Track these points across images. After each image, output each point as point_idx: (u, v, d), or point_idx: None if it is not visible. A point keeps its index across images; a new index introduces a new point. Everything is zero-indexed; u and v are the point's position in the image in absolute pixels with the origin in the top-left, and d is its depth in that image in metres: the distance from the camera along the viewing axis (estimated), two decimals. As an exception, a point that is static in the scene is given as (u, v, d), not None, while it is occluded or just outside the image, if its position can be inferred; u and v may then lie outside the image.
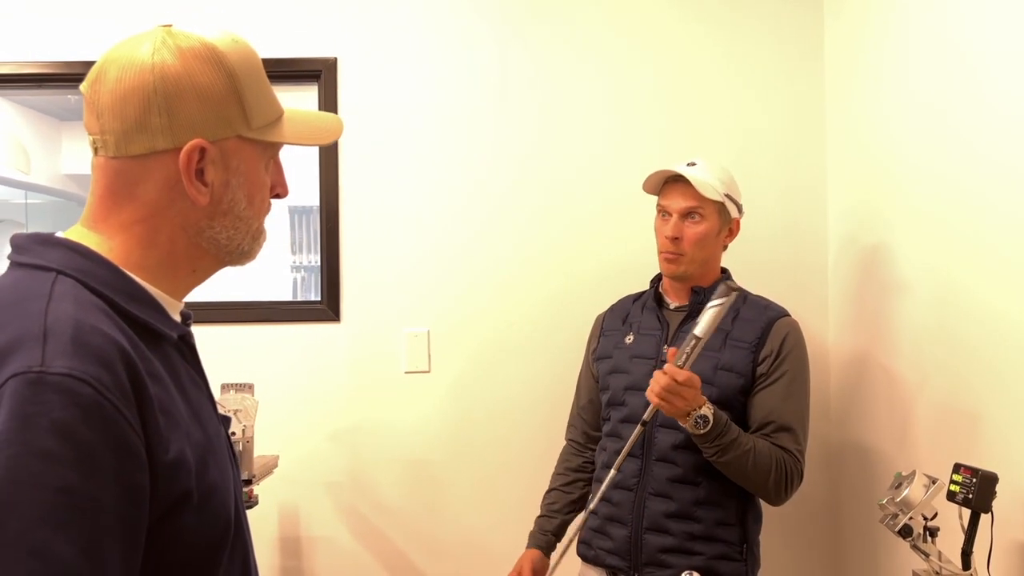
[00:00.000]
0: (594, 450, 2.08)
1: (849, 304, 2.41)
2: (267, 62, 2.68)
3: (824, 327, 2.51)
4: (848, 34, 2.40)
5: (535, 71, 2.53)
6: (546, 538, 2.05)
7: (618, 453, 1.84)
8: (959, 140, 1.82)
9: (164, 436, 0.82)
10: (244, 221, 0.97)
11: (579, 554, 1.98)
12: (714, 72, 2.54)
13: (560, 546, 1.92)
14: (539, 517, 2.10)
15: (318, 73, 2.52)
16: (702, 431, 1.74)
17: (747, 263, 2.38)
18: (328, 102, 2.51)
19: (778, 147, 2.53)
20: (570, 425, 2.17)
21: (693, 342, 1.72)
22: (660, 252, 1.95)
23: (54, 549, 0.71)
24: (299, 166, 2.56)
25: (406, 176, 2.53)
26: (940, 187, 1.90)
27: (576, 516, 2.05)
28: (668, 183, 1.95)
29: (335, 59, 2.52)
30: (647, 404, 1.75)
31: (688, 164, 1.94)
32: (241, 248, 0.99)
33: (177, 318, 0.96)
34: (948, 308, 1.88)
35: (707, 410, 1.74)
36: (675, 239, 1.90)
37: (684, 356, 1.71)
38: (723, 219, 1.94)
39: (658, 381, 1.72)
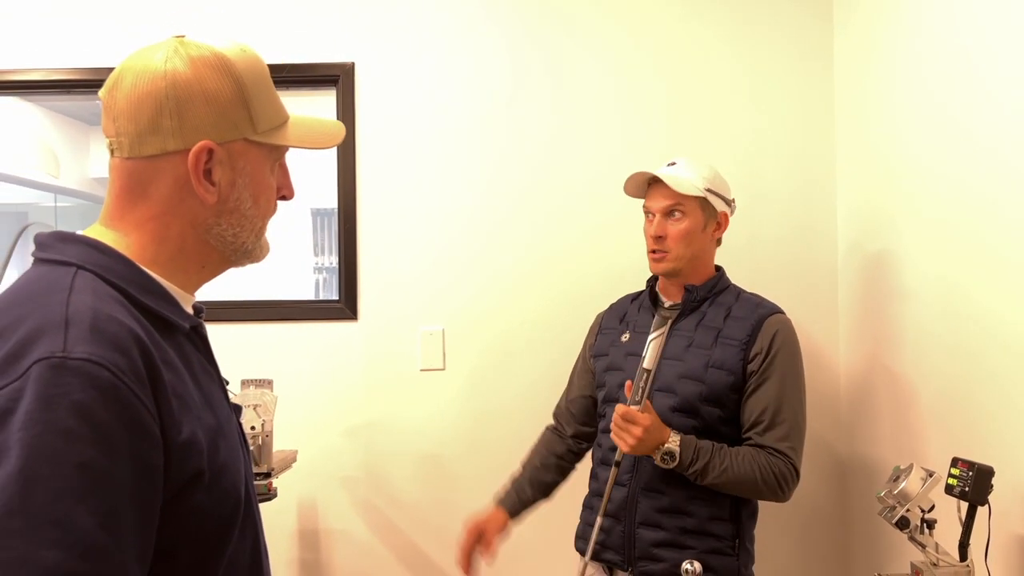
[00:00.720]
0: (576, 442, 2.13)
1: (858, 308, 2.42)
2: (287, 67, 2.75)
3: (835, 331, 2.53)
4: (858, 38, 2.42)
5: (548, 75, 2.58)
6: (519, 503, 2.08)
7: (613, 451, 1.87)
8: (967, 144, 1.83)
9: (177, 418, 0.88)
10: (249, 220, 1.03)
11: (577, 548, 2.02)
12: (724, 76, 2.57)
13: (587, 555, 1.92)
14: (519, 480, 2.11)
15: (336, 78, 2.58)
16: (670, 466, 1.79)
17: (757, 267, 2.41)
18: (346, 106, 2.58)
19: (788, 150, 2.56)
20: (556, 413, 2.20)
21: (644, 376, 1.78)
22: (648, 252, 1.99)
23: (75, 519, 0.76)
24: (320, 169, 2.63)
25: (422, 178, 2.58)
26: (949, 191, 1.91)
27: (543, 498, 2.10)
28: (651, 185, 2.00)
29: (352, 64, 2.58)
30: None
31: (668, 164, 1.98)
32: (245, 247, 1.04)
33: (189, 310, 1.02)
34: (954, 312, 1.89)
35: (672, 444, 1.79)
36: (659, 237, 1.94)
37: (639, 391, 1.78)
38: (707, 214, 1.97)
39: (612, 419, 1.82)
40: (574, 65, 2.58)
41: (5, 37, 2.60)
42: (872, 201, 2.33)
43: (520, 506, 2.09)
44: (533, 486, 2.10)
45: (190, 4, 2.59)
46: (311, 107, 2.76)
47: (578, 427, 2.14)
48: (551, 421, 2.20)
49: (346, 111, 2.58)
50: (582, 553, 1.99)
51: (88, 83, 2.62)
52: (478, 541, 2.03)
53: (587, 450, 2.16)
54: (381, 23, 2.59)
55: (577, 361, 2.20)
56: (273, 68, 1.06)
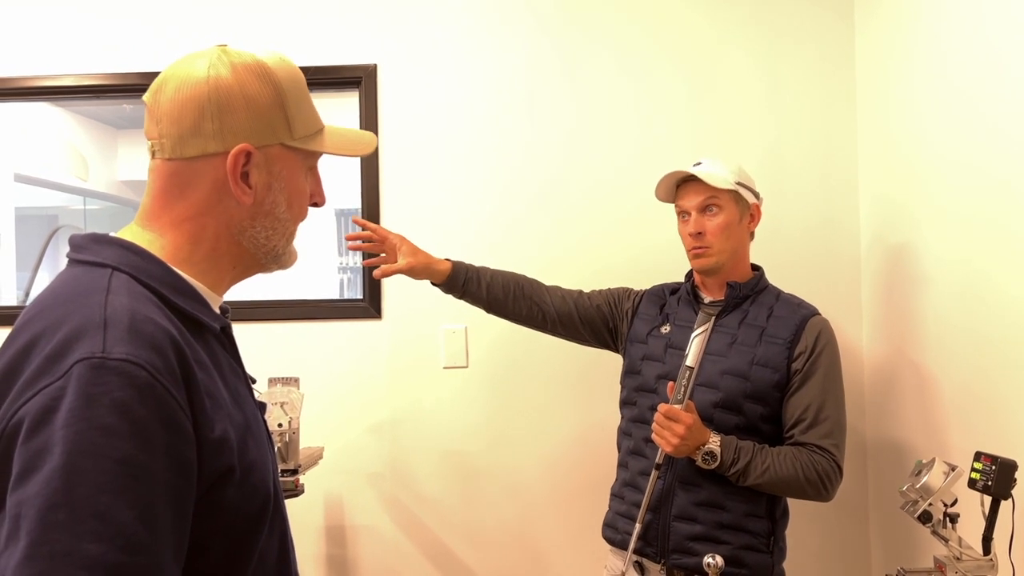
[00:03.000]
0: (548, 319, 2.15)
1: (882, 301, 2.42)
2: (311, 70, 2.79)
3: (858, 325, 2.53)
4: (879, 32, 2.41)
5: (567, 77, 2.60)
6: (468, 274, 2.10)
7: (645, 441, 1.89)
8: (989, 136, 1.83)
9: (209, 416, 0.91)
10: (282, 223, 1.06)
11: (605, 537, 2.03)
12: (746, 73, 2.57)
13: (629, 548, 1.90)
14: (488, 270, 2.14)
15: (359, 80, 2.61)
16: (711, 466, 1.81)
17: (781, 261, 2.41)
18: (368, 107, 2.61)
19: (810, 145, 2.56)
20: (563, 291, 2.18)
21: (688, 373, 1.80)
22: (688, 251, 2.00)
23: (114, 512, 0.79)
24: (343, 170, 2.66)
25: (443, 177, 2.61)
26: (970, 184, 1.91)
27: (484, 296, 2.12)
28: (680, 186, 2.01)
29: (375, 66, 2.61)
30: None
31: (694, 164, 1.99)
32: (276, 250, 1.08)
33: (217, 310, 1.05)
34: (977, 305, 1.89)
35: (713, 445, 1.80)
36: (698, 234, 1.95)
37: (682, 389, 1.80)
38: (741, 207, 1.98)
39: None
40: (593, 64, 2.59)
41: (35, 44, 2.66)
42: (894, 194, 2.33)
43: (464, 278, 2.09)
44: (495, 282, 2.11)
45: (216, 10, 2.63)
46: (334, 109, 2.79)
47: (566, 315, 2.14)
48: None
49: (369, 112, 2.61)
50: (610, 542, 2.02)
51: (116, 88, 2.67)
52: (383, 242, 2.10)
53: (541, 325, 2.17)
54: (403, 26, 2.62)
55: (603, 290, 2.20)
56: (297, 71, 1.09)
